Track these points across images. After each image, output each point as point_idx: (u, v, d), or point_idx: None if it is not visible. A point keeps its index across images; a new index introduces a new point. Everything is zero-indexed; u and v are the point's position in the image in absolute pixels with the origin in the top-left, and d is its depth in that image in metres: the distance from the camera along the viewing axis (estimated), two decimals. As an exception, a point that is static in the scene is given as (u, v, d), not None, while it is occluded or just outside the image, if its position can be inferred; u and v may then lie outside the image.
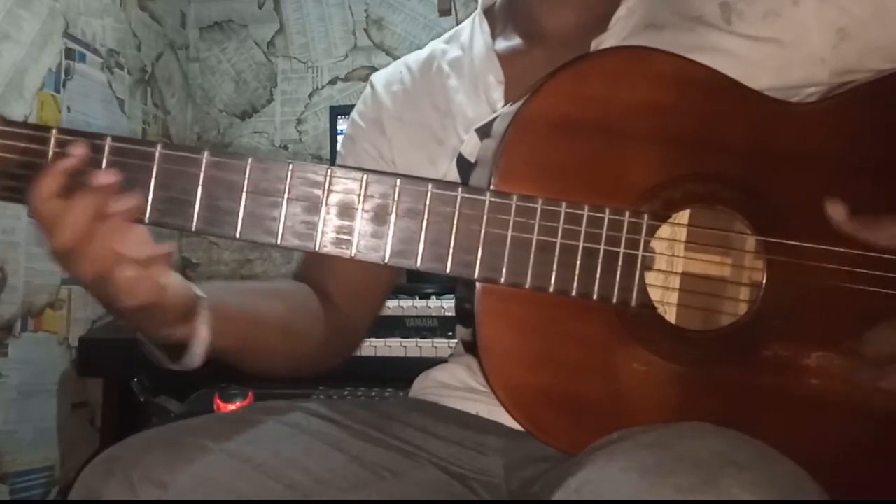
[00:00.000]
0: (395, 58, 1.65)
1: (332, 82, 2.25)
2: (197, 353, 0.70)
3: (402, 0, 2.22)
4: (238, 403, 1.27)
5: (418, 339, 1.51)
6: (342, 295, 0.90)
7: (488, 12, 0.95)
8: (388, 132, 0.93)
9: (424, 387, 0.91)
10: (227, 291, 0.77)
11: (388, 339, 1.48)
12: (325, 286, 0.89)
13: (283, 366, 0.85)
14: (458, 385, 0.88)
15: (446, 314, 1.57)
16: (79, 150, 0.63)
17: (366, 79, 1.01)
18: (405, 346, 1.48)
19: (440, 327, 1.56)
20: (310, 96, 2.26)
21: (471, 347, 0.87)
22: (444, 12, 1.85)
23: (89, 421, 1.80)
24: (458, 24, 0.99)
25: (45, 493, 1.65)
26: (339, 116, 2.06)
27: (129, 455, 0.67)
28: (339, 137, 2.04)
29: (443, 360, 0.93)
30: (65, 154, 0.63)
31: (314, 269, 0.92)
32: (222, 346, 0.72)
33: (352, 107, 1.00)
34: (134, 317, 0.66)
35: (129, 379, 1.45)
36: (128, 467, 0.66)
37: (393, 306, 1.55)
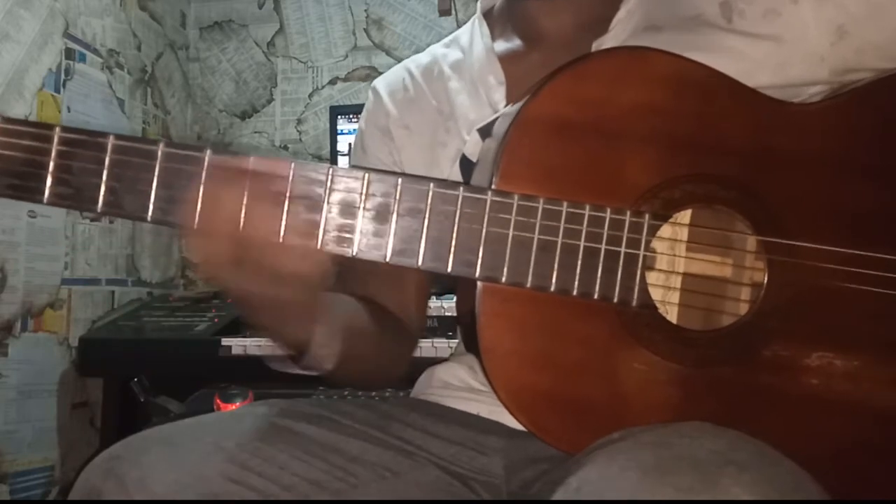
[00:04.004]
0: (395, 58, 1.66)
1: (332, 82, 2.25)
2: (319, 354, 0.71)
3: (402, 0, 2.22)
4: (238, 403, 1.27)
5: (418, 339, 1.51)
6: (393, 301, 0.90)
7: (487, 15, 0.95)
8: (396, 140, 0.94)
9: (427, 385, 0.91)
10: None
11: (388, 340, 1.48)
12: (370, 292, 0.89)
13: (374, 369, 0.86)
14: (459, 385, 0.88)
15: (446, 314, 1.57)
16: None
17: (366, 79, 1.01)
18: (405, 346, 1.48)
19: (440, 327, 1.56)
20: (310, 96, 2.26)
21: (472, 347, 0.87)
22: (445, 12, 1.84)
23: (89, 421, 1.81)
24: (458, 25, 0.99)
25: (45, 493, 1.65)
26: (339, 116, 2.06)
27: (128, 455, 0.67)
28: (340, 138, 2.04)
29: (443, 361, 0.93)
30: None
31: (357, 281, 0.91)
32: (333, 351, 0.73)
33: (352, 107, 1.00)
34: (298, 302, 0.66)
35: (129, 379, 1.45)
36: (127, 467, 0.66)
37: (393, 306, 1.55)
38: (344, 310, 0.82)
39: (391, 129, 0.94)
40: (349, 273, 0.93)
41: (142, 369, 1.47)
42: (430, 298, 0.99)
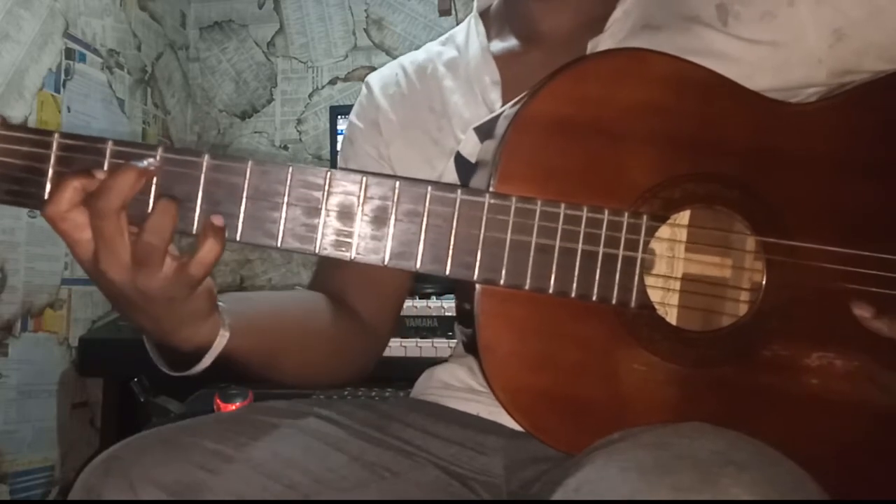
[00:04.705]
0: (395, 58, 1.66)
1: (332, 82, 2.25)
2: (214, 352, 0.68)
3: (402, 0, 2.22)
4: (238, 403, 1.27)
5: (418, 339, 1.51)
6: (361, 298, 0.90)
7: (484, 14, 0.95)
8: (385, 134, 0.94)
9: (427, 386, 0.91)
10: (240, 297, 0.77)
11: (387, 340, 1.48)
12: (341, 292, 0.89)
13: (302, 369, 0.83)
14: (458, 385, 0.88)
15: (446, 314, 1.57)
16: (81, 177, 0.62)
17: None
18: (405, 346, 1.48)
19: (440, 327, 1.56)
20: (310, 96, 2.26)
21: (471, 348, 0.87)
22: (444, 12, 1.85)
23: (89, 421, 1.81)
24: (457, 24, 0.99)
25: (45, 493, 1.65)
26: (339, 116, 2.06)
27: (128, 455, 0.67)
28: (340, 137, 2.04)
29: (443, 361, 0.93)
30: (72, 172, 0.61)
31: (329, 275, 0.91)
32: (243, 347, 0.71)
33: (352, 107, 1.00)
34: (163, 310, 0.64)
35: (129, 379, 1.45)
36: (127, 467, 0.66)
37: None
38: (271, 306, 0.81)
39: (380, 122, 0.94)
40: (324, 269, 0.93)
41: (142, 369, 1.46)
42: (405, 297, 0.97)
